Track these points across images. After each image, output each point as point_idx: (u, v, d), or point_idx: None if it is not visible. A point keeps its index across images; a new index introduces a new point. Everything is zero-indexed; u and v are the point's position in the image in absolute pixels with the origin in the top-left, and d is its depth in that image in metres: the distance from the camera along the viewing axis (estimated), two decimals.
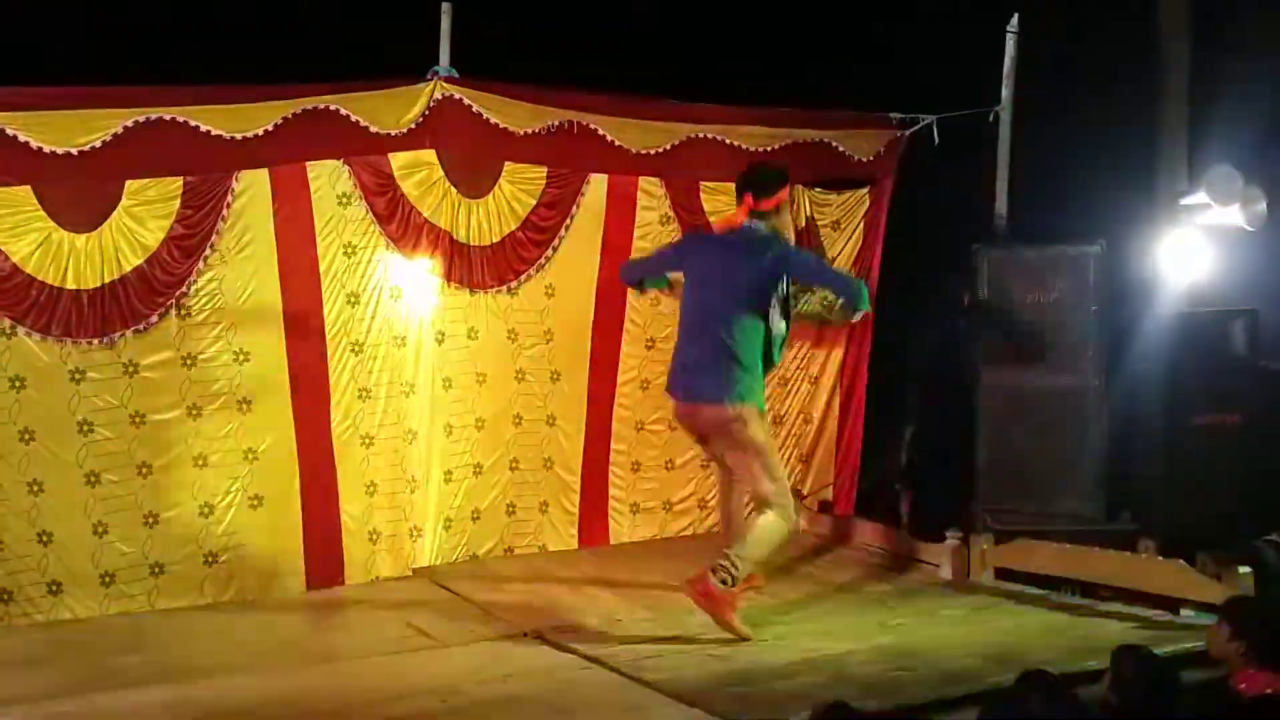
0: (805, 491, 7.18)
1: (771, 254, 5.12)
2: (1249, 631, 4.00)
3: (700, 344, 5.13)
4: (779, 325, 5.19)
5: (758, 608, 5.39)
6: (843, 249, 7.18)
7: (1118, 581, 5.42)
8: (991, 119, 6.92)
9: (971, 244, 6.65)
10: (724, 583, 4.90)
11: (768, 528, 5.05)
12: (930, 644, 4.83)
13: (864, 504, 7.13)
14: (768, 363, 5.20)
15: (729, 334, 5.04)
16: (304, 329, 5.79)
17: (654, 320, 6.71)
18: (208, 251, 5.56)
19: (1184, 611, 5.17)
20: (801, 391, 7.20)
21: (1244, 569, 5.02)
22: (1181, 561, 5.22)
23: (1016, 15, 6.82)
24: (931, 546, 6.12)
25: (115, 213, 5.36)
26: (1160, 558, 5.44)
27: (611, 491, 6.73)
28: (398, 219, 5.95)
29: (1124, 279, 6.82)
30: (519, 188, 6.28)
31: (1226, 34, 7.77)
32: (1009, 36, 6.88)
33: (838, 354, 7.25)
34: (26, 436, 5.22)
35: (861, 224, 7.20)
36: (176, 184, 5.48)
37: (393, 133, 5.87)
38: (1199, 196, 6.95)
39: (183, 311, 5.52)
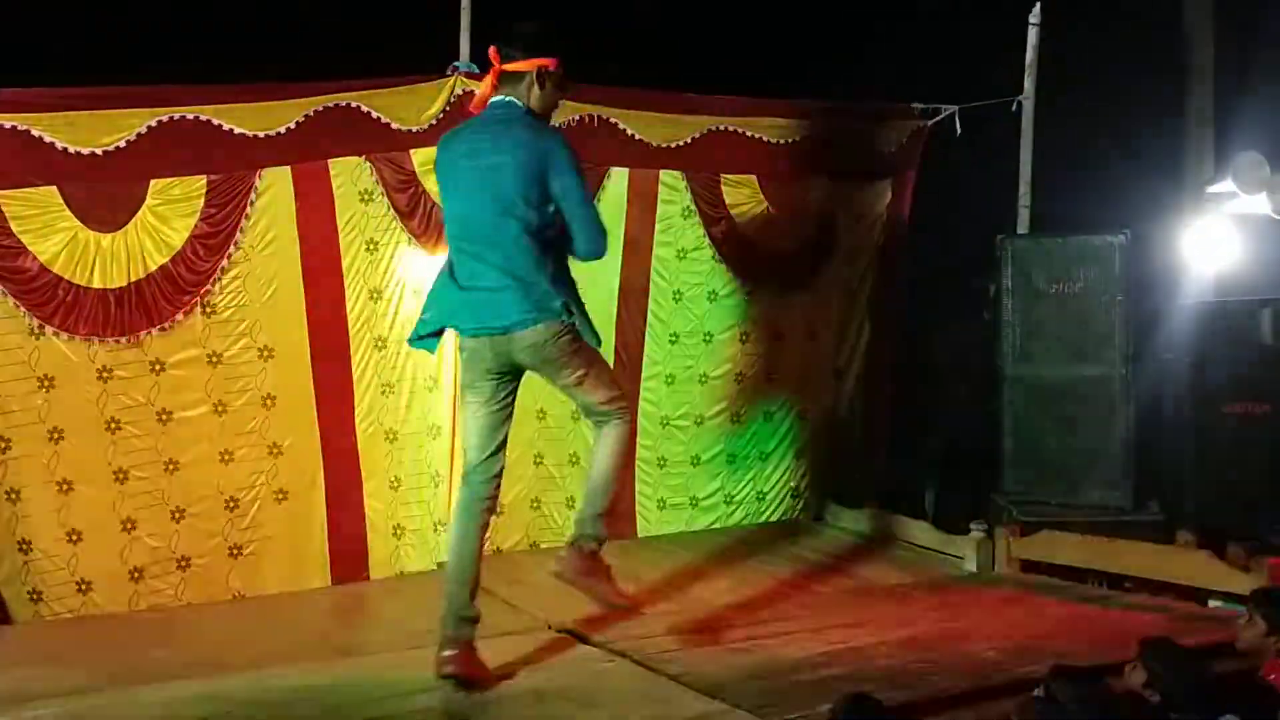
0: (829, 484, 7.16)
1: (541, 141, 4.15)
2: None
3: (489, 259, 4.14)
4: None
5: (779, 599, 5.40)
6: (866, 240, 7.16)
7: (1145, 573, 5.39)
8: (1015, 109, 6.86)
9: (995, 234, 6.62)
10: (595, 548, 4.36)
11: (612, 452, 4.37)
12: (955, 636, 4.81)
13: (888, 496, 7.11)
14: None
15: (521, 240, 4.11)
16: (327, 325, 5.82)
17: (677, 314, 6.71)
18: (232, 249, 5.59)
19: (1211, 603, 5.13)
20: (828, 385, 7.17)
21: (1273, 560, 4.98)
22: (1209, 552, 5.18)
23: (1038, 4, 6.76)
24: (956, 538, 6.10)
25: (140, 212, 5.40)
26: (1186, 548, 5.40)
27: (638, 487, 6.72)
28: (420, 215, 5.97)
29: (1150, 268, 6.79)
30: None
31: (1252, 20, 7.72)
32: (1031, 26, 6.82)
33: (863, 347, 7.23)
34: (56, 435, 5.28)
35: (885, 215, 7.17)
36: (201, 182, 5.51)
37: (414, 129, 5.89)
38: (1225, 184, 6.91)
39: (208, 309, 5.57)
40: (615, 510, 6.48)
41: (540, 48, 4.28)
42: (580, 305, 4.31)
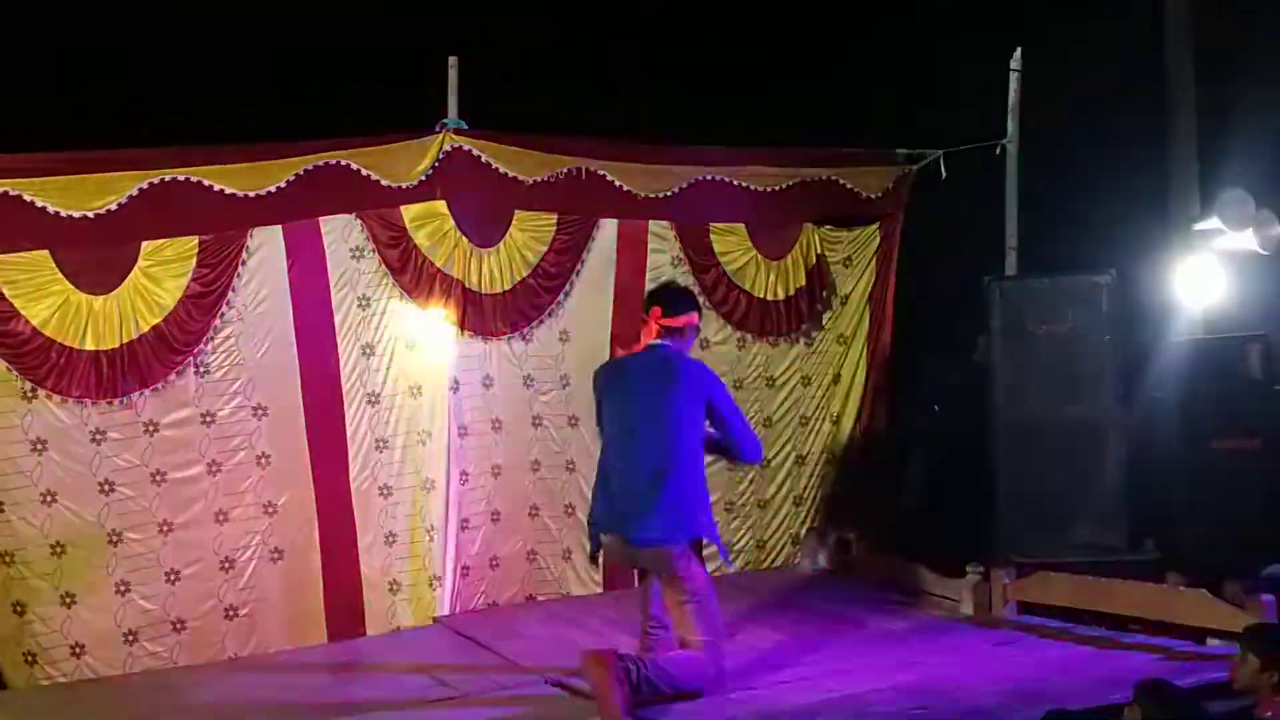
0: (827, 530, 7.15)
1: (703, 379, 5.01)
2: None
3: (637, 478, 4.86)
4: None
5: (778, 647, 5.39)
6: (855, 285, 7.20)
7: (1141, 612, 5.37)
8: (999, 152, 6.92)
9: (984, 276, 6.64)
10: (626, 674, 4.50)
11: (694, 662, 4.74)
12: (952, 681, 4.80)
13: (884, 540, 7.09)
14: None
15: (669, 464, 4.83)
16: (320, 382, 5.86)
17: None
18: (224, 309, 5.64)
19: (1210, 641, 5.10)
20: (824, 431, 7.19)
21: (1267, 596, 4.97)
22: (1205, 591, 5.16)
23: (1020, 49, 6.84)
24: (952, 581, 6.08)
25: (132, 273, 5.45)
26: (1182, 588, 5.37)
27: None
28: (410, 270, 6.02)
29: (1138, 306, 6.80)
30: (530, 235, 6.33)
31: (1233, 58, 7.79)
32: (1013, 68, 6.88)
33: (858, 393, 7.24)
34: (49, 498, 5.29)
35: (874, 260, 7.21)
36: (192, 243, 5.57)
37: (404, 185, 5.96)
38: (1211, 222, 6.93)
39: (201, 369, 5.60)
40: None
41: (692, 307, 5.22)
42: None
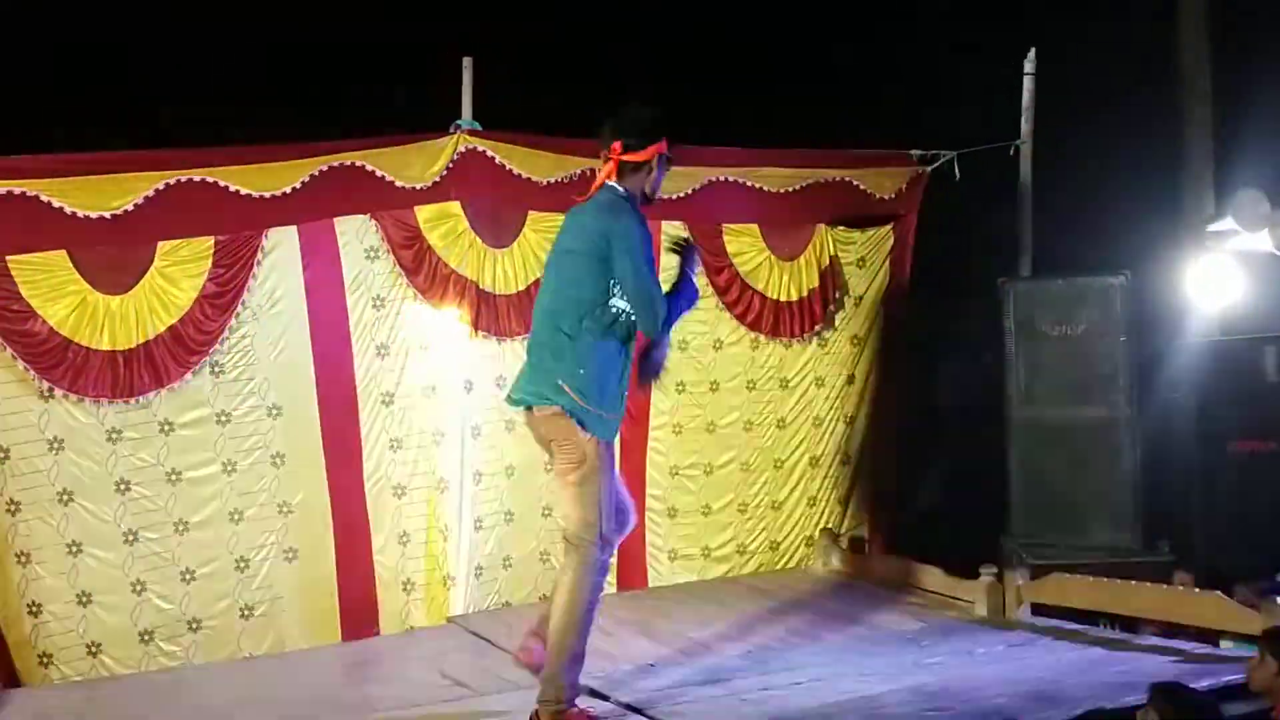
0: (841, 531, 7.15)
1: (605, 224, 4.26)
2: None
3: (537, 340, 4.38)
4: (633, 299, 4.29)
5: (792, 649, 5.38)
6: (869, 286, 7.19)
7: (1155, 614, 5.35)
8: (1012, 153, 6.91)
9: (997, 278, 6.64)
10: (560, 711, 4.25)
11: (567, 600, 4.28)
12: (967, 683, 4.78)
13: (898, 541, 7.08)
14: (625, 352, 4.38)
15: (564, 323, 4.26)
16: (335, 382, 5.88)
17: (684, 364, 6.73)
18: (239, 309, 5.66)
19: (1224, 644, 5.09)
20: (838, 432, 7.17)
21: None
22: (1219, 593, 5.15)
23: (1033, 50, 6.83)
24: (966, 583, 6.07)
25: (148, 273, 5.48)
26: (1196, 590, 5.36)
27: (649, 538, 6.70)
28: (425, 270, 6.03)
29: (1153, 307, 6.79)
30: (543, 236, 6.31)
31: (1248, 59, 7.77)
32: (1026, 69, 6.87)
33: (871, 394, 7.23)
34: (65, 497, 5.32)
35: (887, 261, 7.20)
36: (208, 243, 5.59)
37: (418, 186, 5.97)
38: (1226, 222, 6.92)
39: (216, 369, 5.62)
40: (627, 561, 6.54)
41: (658, 134, 4.39)
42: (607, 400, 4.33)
